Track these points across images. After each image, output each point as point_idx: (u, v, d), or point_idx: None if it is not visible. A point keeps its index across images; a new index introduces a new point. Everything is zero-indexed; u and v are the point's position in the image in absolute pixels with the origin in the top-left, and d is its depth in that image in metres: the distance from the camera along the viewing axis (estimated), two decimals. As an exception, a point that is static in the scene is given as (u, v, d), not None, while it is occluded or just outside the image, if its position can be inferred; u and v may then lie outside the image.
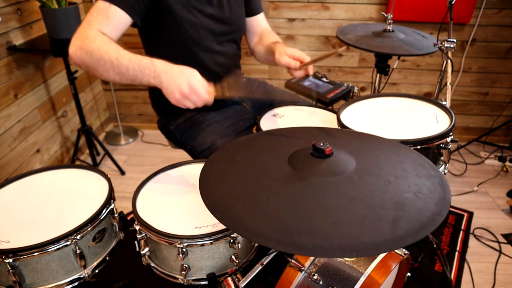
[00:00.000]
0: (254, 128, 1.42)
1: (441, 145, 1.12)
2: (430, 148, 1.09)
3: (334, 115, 1.43)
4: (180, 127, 1.39)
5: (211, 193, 0.72)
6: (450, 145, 1.13)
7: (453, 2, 1.35)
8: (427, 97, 1.31)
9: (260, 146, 0.90)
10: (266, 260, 0.95)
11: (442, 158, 1.20)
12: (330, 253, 0.60)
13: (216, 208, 0.68)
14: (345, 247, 0.58)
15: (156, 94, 1.45)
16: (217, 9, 1.28)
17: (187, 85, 0.95)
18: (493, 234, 1.88)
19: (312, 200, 0.68)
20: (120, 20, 1.09)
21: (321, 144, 0.77)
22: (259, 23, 1.49)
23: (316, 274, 0.91)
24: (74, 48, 1.02)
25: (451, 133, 1.13)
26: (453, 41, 1.38)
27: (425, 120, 1.19)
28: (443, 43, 1.40)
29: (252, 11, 1.45)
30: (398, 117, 1.22)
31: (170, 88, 0.96)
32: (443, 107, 1.24)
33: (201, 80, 0.97)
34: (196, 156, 1.35)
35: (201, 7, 1.24)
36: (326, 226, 0.62)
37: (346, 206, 0.66)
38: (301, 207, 0.66)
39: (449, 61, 1.42)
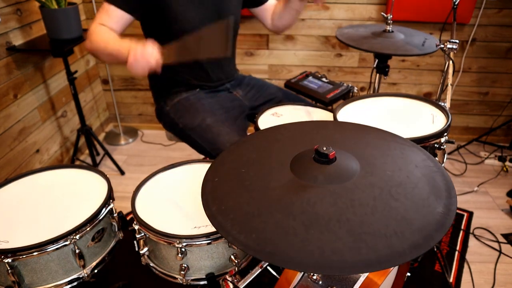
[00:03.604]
0: (253, 127, 1.42)
1: (435, 145, 1.11)
2: (423, 148, 1.08)
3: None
4: (175, 106, 1.45)
5: (222, 220, 0.67)
6: (445, 146, 1.12)
7: (456, 3, 1.34)
8: (424, 97, 1.31)
9: (259, 151, 0.88)
10: (265, 263, 0.94)
11: (436, 159, 1.19)
12: (354, 270, 0.58)
13: (237, 240, 0.63)
14: (369, 261, 0.57)
15: (154, 78, 1.52)
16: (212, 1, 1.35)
17: (139, 50, 1.10)
18: (493, 234, 1.88)
19: (327, 213, 0.65)
20: (119, 16, 1.26)
21: (324, 149, 0.73)
22: (271, 7, 1.55)
23: (315, 275, 0.91)
24: (86, 40, 1.27)
25: (445, 134, 1.12)
26: (455, 42, 1.37)
27: (421, 120, 1.19)
28: (445, 43, 1.39)
29: (260, 1, 1.53)
30: (394, 117, 1.22)
31: (130, 56, 1.12)
32: (440, 107, 1.24)
33: (152, 47, 1.12)
34: (187, 135, 1.41)
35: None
36: (346, 243, 0.60)
37: (361, 217, 0.64)
38: (318, 223, 0.63)
39: (450, 62, 1.41)
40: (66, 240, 0.90)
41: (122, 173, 2.33)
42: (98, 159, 2.39)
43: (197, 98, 1.45)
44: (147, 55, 1.10)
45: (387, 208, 0.66)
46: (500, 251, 1.78)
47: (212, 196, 0.73)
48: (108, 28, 1.25)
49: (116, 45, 1.19)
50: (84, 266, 0.96)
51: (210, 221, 0.67)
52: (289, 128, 0.96)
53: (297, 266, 0.58)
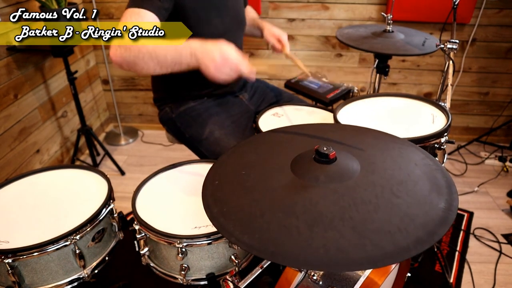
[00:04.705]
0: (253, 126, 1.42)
1: (436, 145, 1.11)
2: (423, 148, 1.08)
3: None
4: (182, 114, 1.41)
5: (224, 221, 0.67)
6: (445, 146, 1.12)
7: (456, 3, 1.34)
8: (424, 97, 1.31)
9: (259, 153, 0.87)
10: (266, 264, 0.94)
11: (436, 159, 1.19)
12: (360, 266, 0.59)
13: (240, 241, 0.63)
14: (371, 258, 0.57)
15: (160, 84, 1.47)
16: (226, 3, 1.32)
17: (219, 55, 0.98)
18: (493, 234, 1.88)
19: (330, 212, 0.65)
20: (151, 20, 1.09)
21: (324, 149, 0.73)
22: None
23: (315, 275, 0.91)
24: (114, 48, 1.03)
25: (446, 134, 1.12)
26: (455, 42, 1.36)
27: (421, 120, 1.19)
28: (446, 44, 1.38)
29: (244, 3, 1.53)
30: (394, 117, 1.22)
31: (205, 63, 0.98)
32: (440, 107, 1.24)
33: (234, 50, 1.00)
34: (194, 146, 1.38)
35: (217, 4, 1.28)
36: (351, 240, 0.60)
37: (364, 214, 0.64)
38: (322, 221, 0.63)
39: (451, 62, 1.41)
40: (67, 241, 0.90)
41: (122, 173, 2.33)
42: (98, 159, 2.39)
43: (204, 107, 1.41)
44: (230, 55, 0.98)
45: (390, 205, 0.66)
46: (500, 252, 1.78)
47: (213, 199, 0.72)
48: None
49: (170, 48, 1.00)
50: (84, 266, 0.96)
51: (212, 223, 0.67)
52: (288, 130, 0.96)
53: (302, 264, 0.58)
